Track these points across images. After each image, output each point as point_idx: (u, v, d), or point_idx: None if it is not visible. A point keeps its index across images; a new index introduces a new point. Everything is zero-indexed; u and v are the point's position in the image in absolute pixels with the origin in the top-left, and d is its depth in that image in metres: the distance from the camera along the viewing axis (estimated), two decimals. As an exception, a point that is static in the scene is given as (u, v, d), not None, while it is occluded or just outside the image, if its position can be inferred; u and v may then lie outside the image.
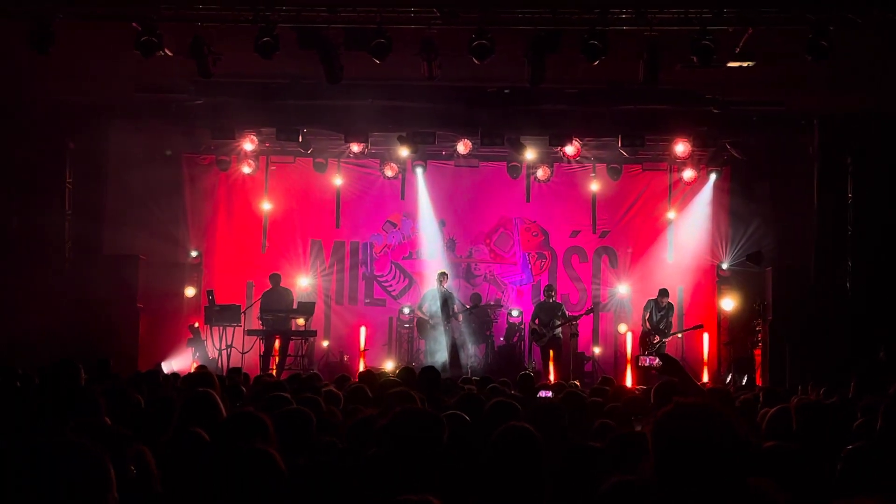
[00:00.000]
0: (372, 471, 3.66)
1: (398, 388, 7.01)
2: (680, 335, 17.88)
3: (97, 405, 5.66)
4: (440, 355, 17.11)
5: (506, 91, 15.52)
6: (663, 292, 17.41)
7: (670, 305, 17.46)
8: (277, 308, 17.16)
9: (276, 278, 17.68)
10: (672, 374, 6.94)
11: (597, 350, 18.80)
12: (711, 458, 2.80)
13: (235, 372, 12.08)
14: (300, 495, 3.77)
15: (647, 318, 17.38)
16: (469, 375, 14.39)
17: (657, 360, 15.38)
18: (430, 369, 9.28)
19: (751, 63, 13.19)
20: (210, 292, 17.54)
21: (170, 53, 12.54)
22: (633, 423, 6.43)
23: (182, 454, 4.51)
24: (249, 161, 18.58)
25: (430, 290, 18.01)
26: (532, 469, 4.10)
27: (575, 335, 17.90)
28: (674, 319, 17.56)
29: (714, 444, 2.82)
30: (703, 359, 17.77)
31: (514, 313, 18.79)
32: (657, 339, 17.12)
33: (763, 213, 18.07)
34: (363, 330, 18.23)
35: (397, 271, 19.70)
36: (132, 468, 3.89)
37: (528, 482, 4.04)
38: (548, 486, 4.23)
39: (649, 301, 17.57)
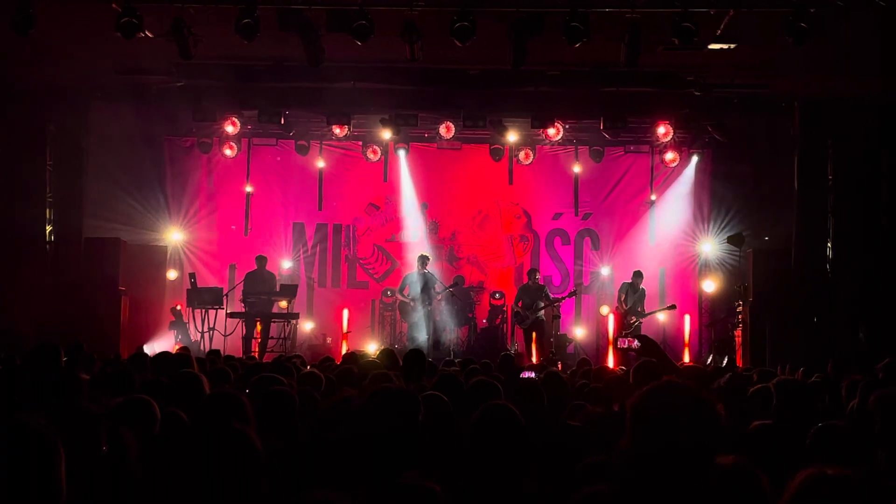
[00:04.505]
0: (349, 451, 3.68)
1: (376, 371, 7.03)
2: (661, 316, 17.97)
3: (79, 387, 5.66)
4: (423, 338, 17.15)
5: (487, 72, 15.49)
6: (638, 274, 17.48)
7: (643, 289, 17.53)
8: (260, 290, 17.12)
9: (262, 260, 17.59)
10: (650, 354, 6.99)
11: (579, 332, 18.86)
12: (689, 438, 2.82)
13: (215, 354, 12.06)
14: (278, 477, 3.79)
15: (622, 299, 17.42)
16: (451, 357, 14.43)
17: (635, 341, 15.45)
18: (416, 352, 9.30)
19: (732, 45, 13.24)
20: (192, 275, 17.52)
21: (150, 35, 12.43)
22: (612, 404, 6.49)
23: (163, 435, 4.52)
24: (231, 143, 18.46)
25: (410, 273, 18.00)
26: (514, 447, 4.12)
27: (557, 317, 18.01)
28: (647, 303, 17.63)
29: (692, 425, 2.84)
30: (684, 340, 17.85)
31: (497, 296, 18.82)
32: (633, 319, 17.20)
33: (744, 195, 18.17)
34: (346, 312, 18.21)
35: (380, 254, 19.70)
36: (104, 446, 3.89)
37: (510, 460, 4.06)
38: (533, 465, 4.25)
39: (624, 284, 17.62)
